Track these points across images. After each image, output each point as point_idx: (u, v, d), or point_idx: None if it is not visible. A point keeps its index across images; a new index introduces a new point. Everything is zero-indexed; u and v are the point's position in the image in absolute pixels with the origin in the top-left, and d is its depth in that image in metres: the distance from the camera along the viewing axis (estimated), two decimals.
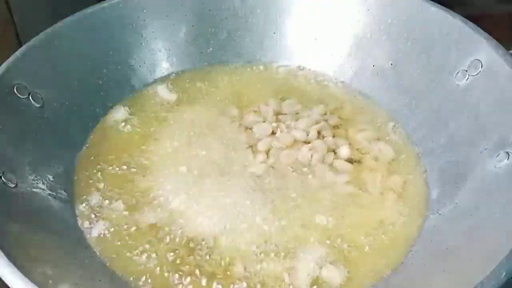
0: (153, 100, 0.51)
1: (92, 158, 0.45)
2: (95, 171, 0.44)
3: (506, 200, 0.36)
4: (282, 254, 0.38)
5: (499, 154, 0.38)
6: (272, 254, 0.38)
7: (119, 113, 0.49)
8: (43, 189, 0.40)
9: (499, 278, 0.30)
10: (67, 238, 0.39)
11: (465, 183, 0.40)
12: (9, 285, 0.30)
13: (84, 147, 0.46)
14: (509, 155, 0.37)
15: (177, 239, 0.39)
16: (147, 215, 0.41)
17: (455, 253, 0.36)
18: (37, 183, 0.40)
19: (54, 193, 0.41)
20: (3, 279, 0.30)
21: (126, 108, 0.50)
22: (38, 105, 0.43)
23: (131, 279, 0.37)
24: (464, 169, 0.41)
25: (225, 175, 0.44)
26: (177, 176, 0.44)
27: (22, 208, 0.37)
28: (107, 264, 0.38)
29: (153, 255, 0.39)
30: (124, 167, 0.45)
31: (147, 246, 0.39)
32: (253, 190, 0.42)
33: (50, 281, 0.32)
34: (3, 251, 0.31)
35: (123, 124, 0.48)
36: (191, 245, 0.39)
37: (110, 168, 0.45)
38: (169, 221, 0.41)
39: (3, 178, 0.37)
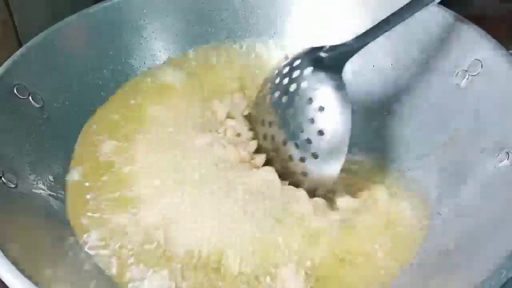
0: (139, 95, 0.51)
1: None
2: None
3: (506, 200, 0.36)
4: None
5: (499, 154, 0.38)
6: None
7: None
8: (43, 189, 0.40)
9: (499, 278, 0.30)
10: (67, 238, 0.39)
11: (465, 183, 0.40)
12: (9, 285, 0.30)
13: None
14: (509, 155, 0.37)
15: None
16: (141, 215, 0.41)
17: (455, 253, 0.36)
18: (37, 183, 0.40)
19: (54, 193, 0.41)
20: (3, 279, 0.30)
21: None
22: (38, 105, 0.43)
23: (130, 279, 0.37)
24: (464, 169, 0.41)
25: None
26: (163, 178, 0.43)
27: (22, 208, 0.37)
28: (107, 265, 0.38)
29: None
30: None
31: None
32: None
33: (49, 281, 0.32)
34: (2, 251, 0.31)
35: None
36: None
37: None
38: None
39: (3, 178, 0.37)
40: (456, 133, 0.43)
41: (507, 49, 0.41)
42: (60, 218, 0.40)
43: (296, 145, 0.42)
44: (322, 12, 0.52)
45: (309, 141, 0.41)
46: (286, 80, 0.44)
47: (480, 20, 0.44)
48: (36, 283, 0.30)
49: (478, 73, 0.42)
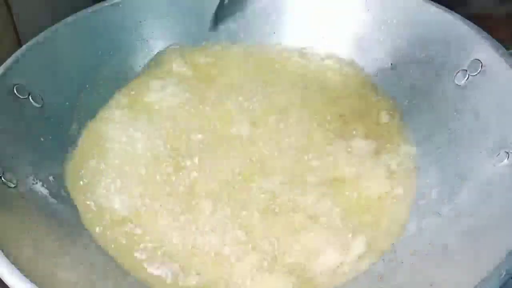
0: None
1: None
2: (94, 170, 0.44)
3: (506, 200, 0.36)
4: None
5: (499, 154, 0.38)
6: None
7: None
8: (43, 189, 0.40)
9: (499, 278, 0.30)
10: (67, 238, 0.39)
11: (465, 183, 0.40)
12: (9, 285, 0.30)
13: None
14: (509, 155, 0.37)
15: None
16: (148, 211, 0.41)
17: (455, 253, 0.36)
18: (37, 183, 0.40)
19: (54, 193, 0.41)
20: (3, 279, 0.30)
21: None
22: (38, 105, 0.43)
23: (133, 278, 0.37)
24: (464, 169, 0.41)
25: None
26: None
27: (22, 208, 0.37)
28: (108, 263, 0.38)
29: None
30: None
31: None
32: None
33: (50, 281, 0.32)
34: (3, 251, 0.31)
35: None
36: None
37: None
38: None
39: (3, 178, 0.37)
40: (456, 133, 0.43)
41: (507, 49, 0.41)
42: (60, 217, 0.40)
43: None
44: (322, 12, 0.52)
45: None
46: None
47: (480, 20, 0.44)
48: (36, 283, 0.29)
49: (478, 73, 0.42)
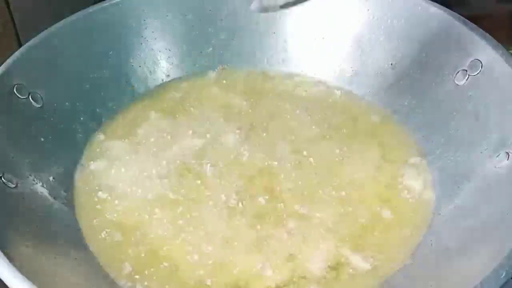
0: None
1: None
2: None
3: (506, 200, 0.36)
4: None
5: (499, 154, 0.38)
6: None
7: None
8: (43, 189, 0.40)
9: (499, 278, 0.30)
10: (67, 239, 0.39)
11: (465, 183, 0.40)
12: (8, 285, 0.30)
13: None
14: (509, 155, 0.37)
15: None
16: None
17: (455, 253, 0.36)
18: (37, 183, 0.40)
19: (54, 193, 0.41)
20: (2, 279, 0.30)
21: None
22: (38, 105, 0.43)
23: (130, 280, 0.37)
24: (464, 169, 0.41)
25: None
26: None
27: (22, 208, 0.37)
28: (107, 265, 0.38)
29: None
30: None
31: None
32: None
33: (50, 281, 0.32)
34: (2, 251, 0.31)
35: None
36: None
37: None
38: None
39: (3, 178, 0.37)
40: (456, 133, 0.43)
41: (507, 49, 0.41)
42: (60, 218, 0.40)
43: None
44: (322, 12, 0.52)
45: None
46: None
47: (480, 20, 0.44)
48: (36, 283, 0.29)
49: (478, 73, 0.42)
